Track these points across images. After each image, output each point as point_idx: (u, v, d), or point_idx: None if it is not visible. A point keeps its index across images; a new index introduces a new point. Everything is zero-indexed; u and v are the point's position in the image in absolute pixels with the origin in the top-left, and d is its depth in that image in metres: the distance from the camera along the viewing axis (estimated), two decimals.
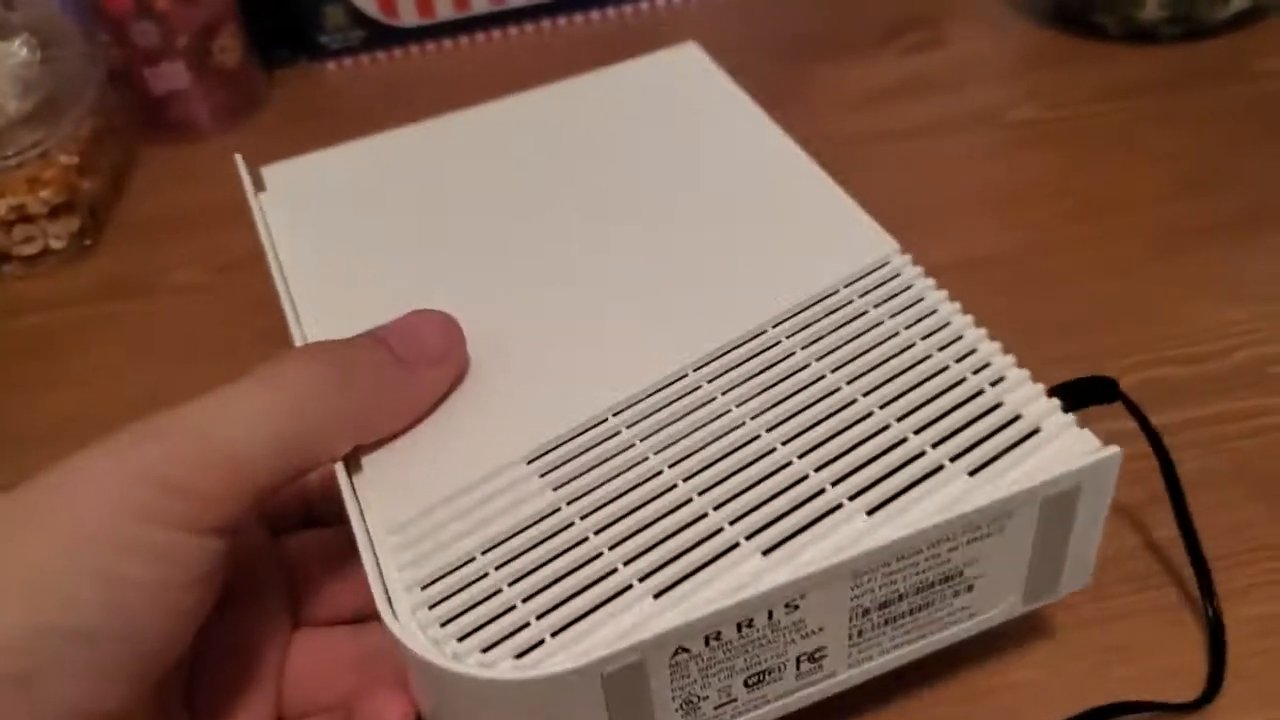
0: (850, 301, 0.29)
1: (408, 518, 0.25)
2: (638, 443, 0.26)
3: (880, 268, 0.30)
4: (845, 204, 0.32)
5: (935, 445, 0.26)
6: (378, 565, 0.24)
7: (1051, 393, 0.27)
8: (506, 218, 0.34)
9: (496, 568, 0.24)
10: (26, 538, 0.22)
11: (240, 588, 0.28)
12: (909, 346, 0.28)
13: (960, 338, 0.28)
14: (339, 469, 0.26)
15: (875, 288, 0.30)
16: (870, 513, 0.24)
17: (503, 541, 0.24)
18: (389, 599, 0.24)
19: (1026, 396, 0.27)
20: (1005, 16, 0.60)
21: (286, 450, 0.24)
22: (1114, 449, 0.25)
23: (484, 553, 0.24)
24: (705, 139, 0.36)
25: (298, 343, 0.29)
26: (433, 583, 0.24)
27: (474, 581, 0.24)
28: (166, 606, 0.23)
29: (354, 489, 0.26)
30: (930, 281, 0.30)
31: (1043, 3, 0.60)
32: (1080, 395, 0.28)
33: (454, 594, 0.24)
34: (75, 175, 0.55)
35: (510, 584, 0.24)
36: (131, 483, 0.22)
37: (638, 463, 0.26)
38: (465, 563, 0.24)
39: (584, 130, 0.37)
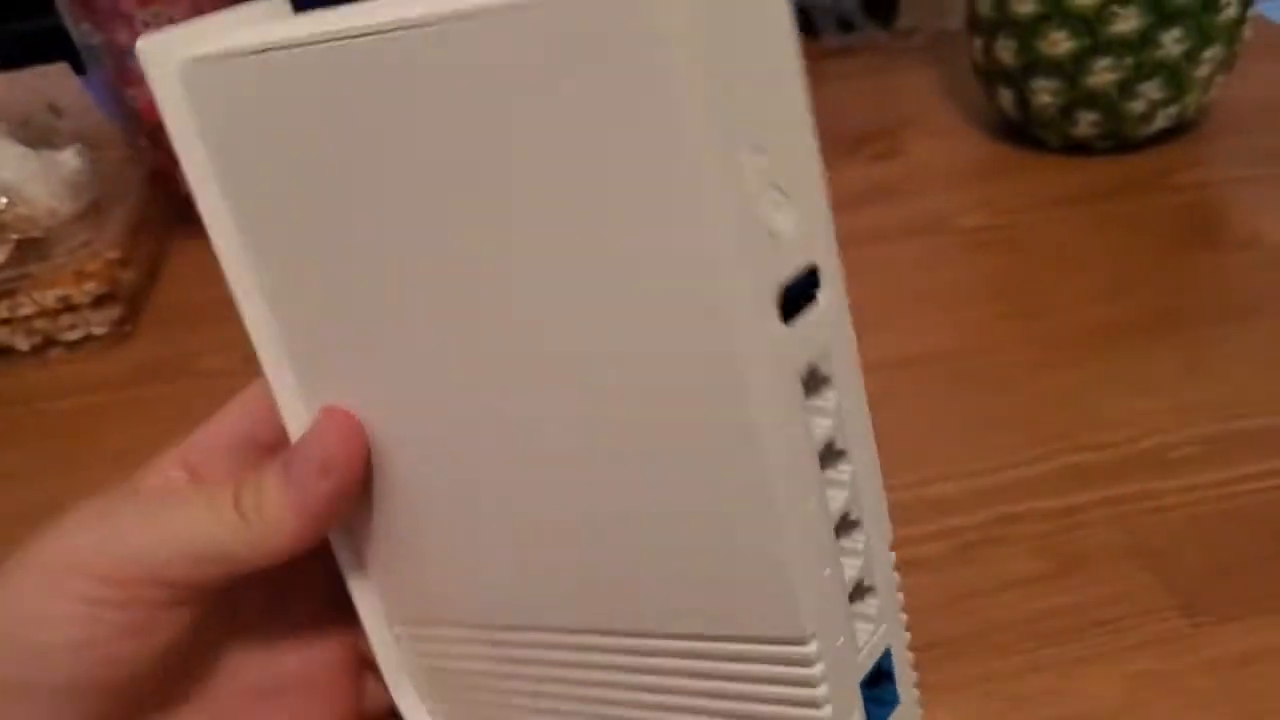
0: (746, 661, 0.24)
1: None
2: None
3: (791, 646, 0.23)
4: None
5: None
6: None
7: None
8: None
9: None
10: None
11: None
12: None
13: None
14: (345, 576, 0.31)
15: (776, 668, 0.24)
16: None
17: None
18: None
19: None
20: (960, 129, 0.67)
21: (192, 554, 0.29)
22: None
23: None
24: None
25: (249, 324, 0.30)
26: None
27: None
28: (101, 660, 0.28)
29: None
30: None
31: (992, 117, 0.66)
32: None
33: None
34: (117, 268, 0.60)
35: None
36: (60, 572, 0.28)
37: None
38: None
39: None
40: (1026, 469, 0.43)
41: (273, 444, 0.32)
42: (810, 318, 0.21)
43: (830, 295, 0.22)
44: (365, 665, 0.35)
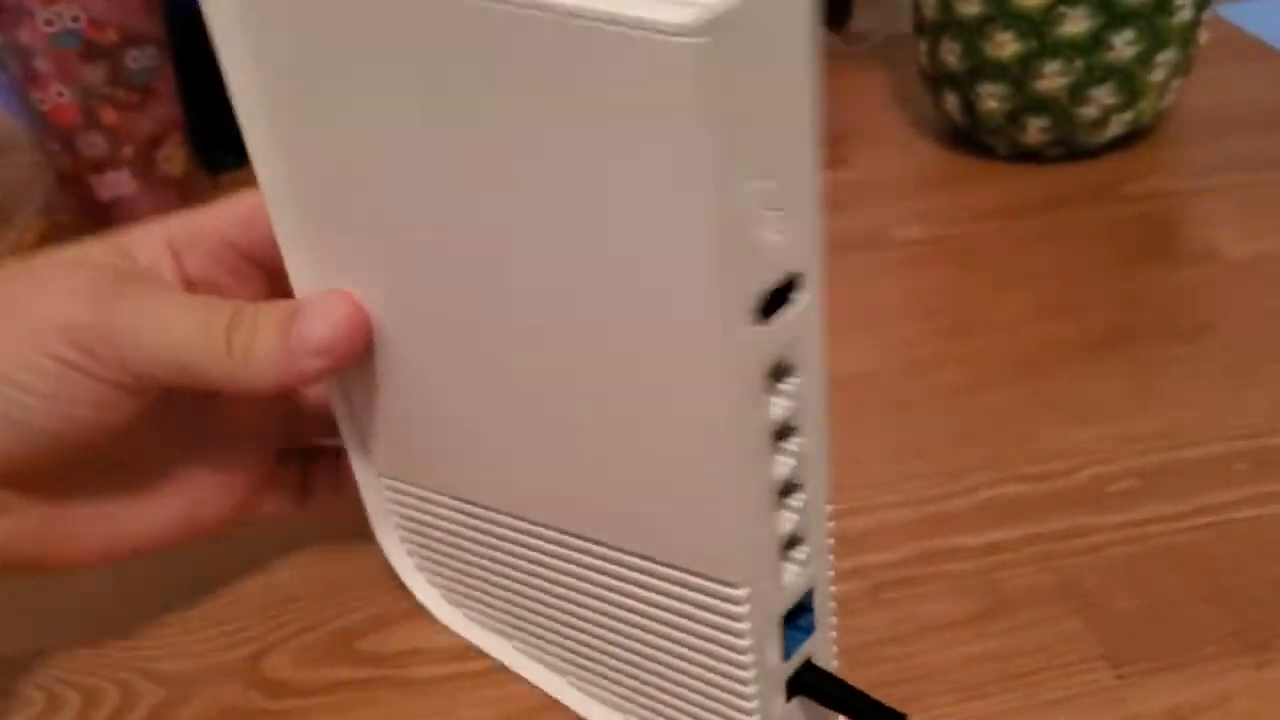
0: (686, 587, 0.28)
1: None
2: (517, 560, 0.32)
3: (724, 586, 0.27)
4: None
5: None
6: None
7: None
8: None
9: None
10: None
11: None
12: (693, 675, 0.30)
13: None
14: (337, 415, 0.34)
15: (709, 599, 0.28)
16: None
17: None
18: None
19: None
20: (907, 136, 0.64)
21: (173, 363, 0.30)
22: None
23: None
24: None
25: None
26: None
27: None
28: (58, 414, 0.30)
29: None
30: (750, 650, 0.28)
31: (940, 124, 0.64)
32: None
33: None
34: None
35: None
36: (52, 330, 0.30)
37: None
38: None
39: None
40: (950, 502, 0.40)
41: (253, 254, 0.34)
42: (786, 317, 0.24)
43: (808, 296, 0.24)
44: (273, 484, 0.37)
